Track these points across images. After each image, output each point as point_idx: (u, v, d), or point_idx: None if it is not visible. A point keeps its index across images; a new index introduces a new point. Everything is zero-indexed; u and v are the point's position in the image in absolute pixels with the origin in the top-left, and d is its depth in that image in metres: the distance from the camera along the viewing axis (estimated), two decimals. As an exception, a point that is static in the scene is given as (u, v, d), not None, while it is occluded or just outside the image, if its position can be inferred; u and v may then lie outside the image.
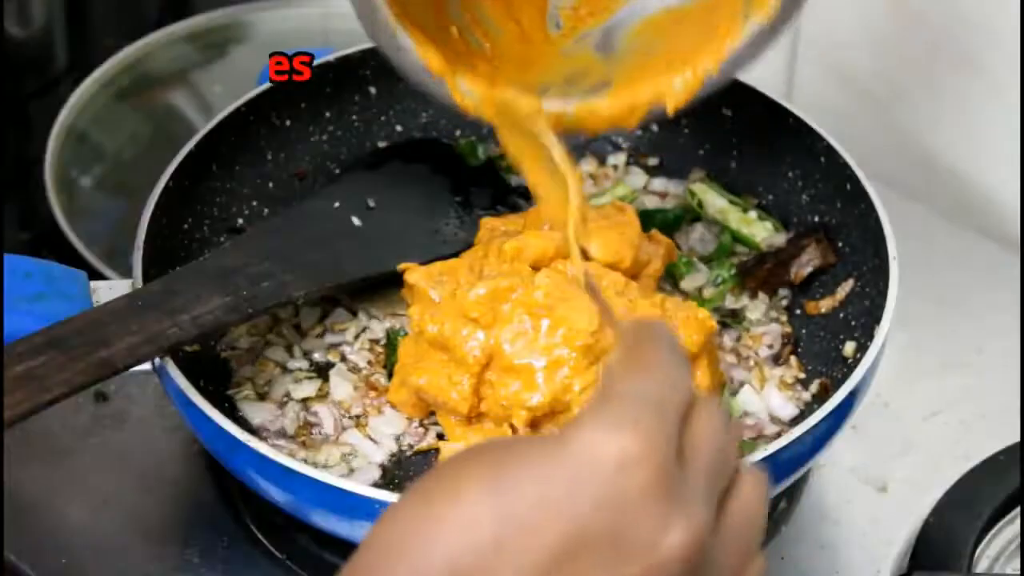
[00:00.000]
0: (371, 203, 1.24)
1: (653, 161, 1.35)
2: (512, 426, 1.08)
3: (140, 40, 1.59)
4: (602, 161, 1.36)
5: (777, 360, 1.20)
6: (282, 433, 1.13)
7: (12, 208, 1.46)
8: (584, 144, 1.36)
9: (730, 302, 1.24)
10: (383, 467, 1.12)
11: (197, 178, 1.22)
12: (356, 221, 1.22)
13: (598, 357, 1.08)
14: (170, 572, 1.11)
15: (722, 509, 0.71)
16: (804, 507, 1.18)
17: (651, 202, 1.32)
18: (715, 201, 1.30)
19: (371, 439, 1.13)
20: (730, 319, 1.23)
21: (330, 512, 1.01)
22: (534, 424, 1.08)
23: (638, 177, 1.34)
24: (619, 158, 1.35)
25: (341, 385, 1.16)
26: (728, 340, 1.21)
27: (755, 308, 1.24)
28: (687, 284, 1.25)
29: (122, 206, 1.46)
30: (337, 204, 1.23)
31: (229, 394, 1.15)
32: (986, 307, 1.34)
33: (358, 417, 1.15)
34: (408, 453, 1.13)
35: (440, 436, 1.13)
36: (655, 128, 1.35)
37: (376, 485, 1.09)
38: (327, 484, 0.99)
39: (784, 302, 1.24)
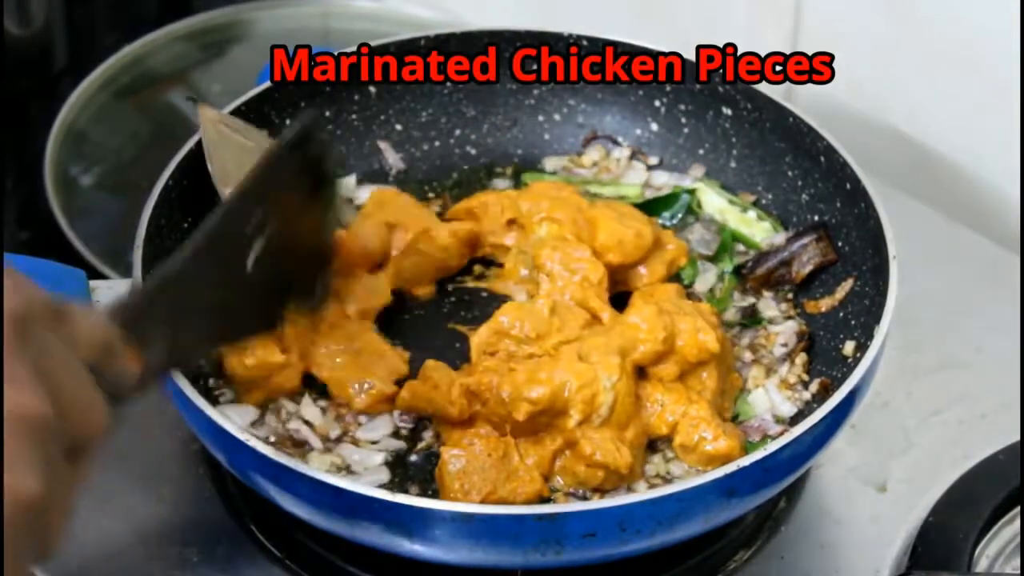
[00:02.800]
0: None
1: (653, 160, 1.35)
2: (510, 424, 1.09)
3: (140, 39, 1.59)
4: (607, 152, 1.36)
5: (787, 359, 1.20)
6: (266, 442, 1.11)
7: (12, 207, 1.46)
8: (589, 139, 1.36)
9: (747, 301, 1.24)
10: (385, 467, 1.12)
11: (197, 177, 1.22)
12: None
13: (583, 356, 1.09)
14: (170, 572, 1.11)
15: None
16: (804, 507, 1.18)
17: (647, 194, 1.33)
18: (714, 201, 1.30)
19: (364, 448, 1.13)
20: (749, 320, 1.22)
21: (330, 512, 1.01)
22: (532, 419, 1.08)
23: (639, 173, 1.34)
24: (623, 152, 1.35)
25: (310, 408, 1.14)
26: (746, 339, 1.21)
27: (769, 306, 1.23)
28: (699, 286, 1.25)
29: (122, 205, 1.46)
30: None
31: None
32: (986, 307, 1.34)
33: (339, 438, 1.13)
34: (405, 450, 1.13)
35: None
36: (655, 127, 1.35)
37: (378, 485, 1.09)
38: (328, 484, 0.99)
39: (790, 299, 1.25)
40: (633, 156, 1.35)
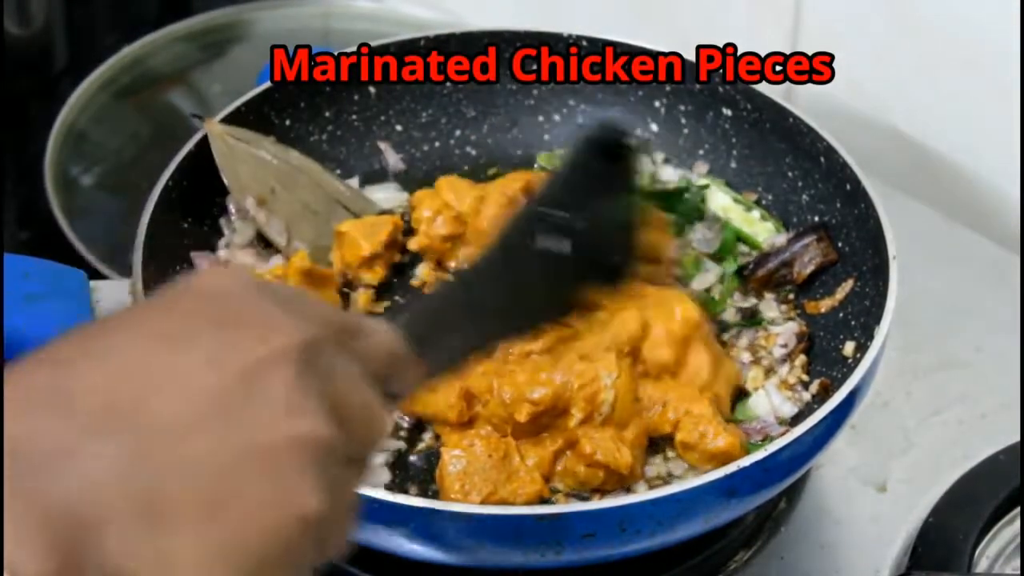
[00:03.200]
0: None
1: (659, 157, 1.35)
2: (511, 426, 1.08)
3: (140, 39, 1.59)
4: None
5: (787, 359, 1.19)
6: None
7: (12, 207, 1.46)
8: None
9: (748, 302, 1.24)
10: (386, 468, 1.12)
11: (197, 178, 1.22)
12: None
13: (583, 355, 1.09)
14: (170, 572, 1.11)
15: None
16: (804, 507, 1.18)
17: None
18: (718, 198, 1.30)
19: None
20: (748, 320, 1.22)
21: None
22: (534, 420, 1.08)
23: (646, 165, 1.34)
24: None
25: None
26: (745, 339, 1.21)
27: (770, 307, 1.23)
28: (697, 284, 1.25)
29: (122, 205, 1.46)
30: None
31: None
32: (986, 306, 1.34)
33: None
34: (405, 450, 1.13)
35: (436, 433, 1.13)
36: (655, 128, 1.35)
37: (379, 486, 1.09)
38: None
39: (791, 299, 1.25)
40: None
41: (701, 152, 1.34)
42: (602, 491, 1.09)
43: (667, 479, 1.11)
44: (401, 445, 1.13)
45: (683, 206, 1.30)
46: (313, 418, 0.67)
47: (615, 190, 0.96)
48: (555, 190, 0.95)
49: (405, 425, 1.14)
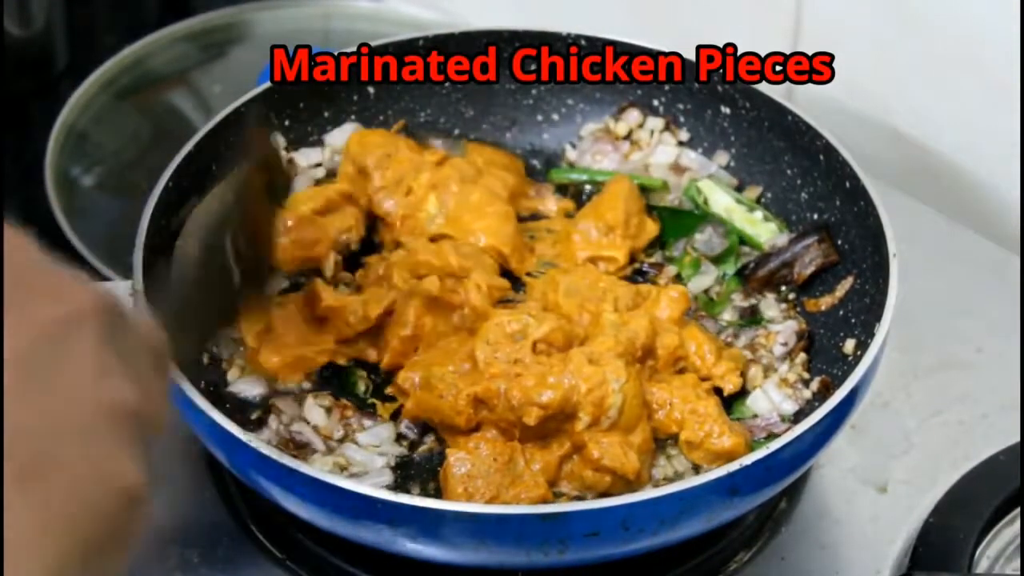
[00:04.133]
0: None
1: (684, 136, 1.34)
2: (519, 430, 1.08)
3: (140, 40, 1.59)
4: (642, 123, 1.35)
5: (787, 358, 1.19)
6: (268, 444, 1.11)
7: (12, 207, 1.46)
8: (624, 107, 1.36)
9: (748, 302, 1.24)
10: (388, 469, 1.11)
11: (197, 178, 1.22)
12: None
13: (595, 360, 1.09)
14: (170, 572, 1.11)
15: None
16: (804, 507, 1.18)
17: (670, 178, 1.33)
18: (720, 199, 1.30)
19: (366, 449, 1.12)
20: (748, 319, 1.22)
21: (334, 513, 1.01)
22: (542, 424, 1.08)
23: (669, 150, 1.33)
24: (657, 123, 1.35)
25: (313, 409, 1.15)
26: (745, 338, 1.21)
27: (770, 306, 1.23)
28: (694, 286, 1.24)
29: (122, 206, 1.46)
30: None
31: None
32: (986, 307, 1.34)
33: (342, 439, 1.13)
34: (407, 451, 1.13)
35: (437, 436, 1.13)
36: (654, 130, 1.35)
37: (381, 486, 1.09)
38: (331, 485, 0.99)
39: (791, 299, 1.25)
40: (667, 128, 1.34)
41: (700, 151, 1.34)
42: (608, 496, 1.08)
43: (671, 480, 1.11)
44: (403, 449, 1.13)
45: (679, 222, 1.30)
46: (121, 381, 0.66)
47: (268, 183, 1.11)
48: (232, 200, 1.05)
49: (410, 436, 1.13)
